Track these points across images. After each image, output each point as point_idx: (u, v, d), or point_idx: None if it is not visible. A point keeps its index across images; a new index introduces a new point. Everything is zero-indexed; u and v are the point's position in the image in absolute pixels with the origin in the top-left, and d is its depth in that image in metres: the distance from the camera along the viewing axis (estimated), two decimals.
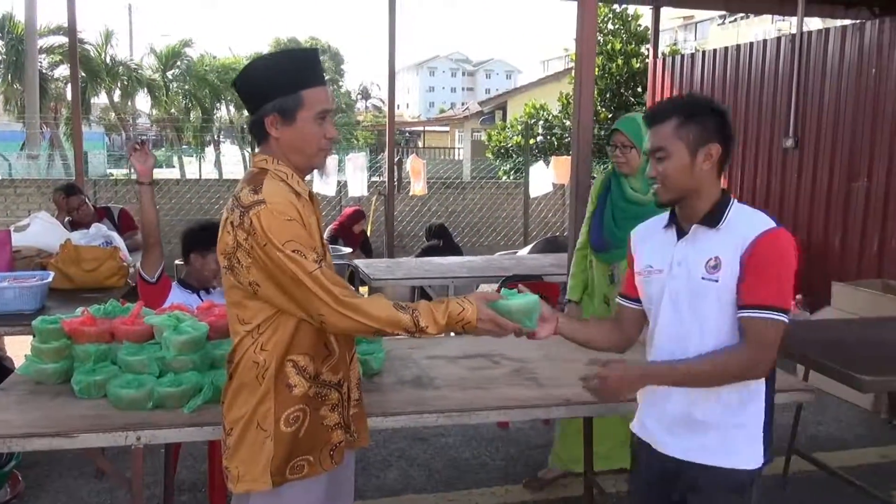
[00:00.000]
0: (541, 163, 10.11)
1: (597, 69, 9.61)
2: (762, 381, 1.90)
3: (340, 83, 43.67)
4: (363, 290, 6.94)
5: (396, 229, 9.47)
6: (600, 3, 3.67)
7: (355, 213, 7.75)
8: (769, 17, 27.38)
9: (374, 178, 10.50)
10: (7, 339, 4.85)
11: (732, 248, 1.82)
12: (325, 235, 7.32)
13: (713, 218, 1.87)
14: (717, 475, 1.89)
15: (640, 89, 14.40)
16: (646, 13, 14.04)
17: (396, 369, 2.70)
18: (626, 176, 3.22)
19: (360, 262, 5.98)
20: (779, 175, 7.35)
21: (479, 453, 4.07)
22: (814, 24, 11.99)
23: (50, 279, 3.68)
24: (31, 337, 2.59)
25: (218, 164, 21.38)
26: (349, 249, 6.79)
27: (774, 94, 7.40)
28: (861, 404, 4.80)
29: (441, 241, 7.76)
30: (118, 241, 4.62)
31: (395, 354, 2.86)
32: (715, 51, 8.34)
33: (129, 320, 2.50)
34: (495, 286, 3.76)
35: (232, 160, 22.87)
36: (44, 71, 20.59)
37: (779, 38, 7.50)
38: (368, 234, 8.26)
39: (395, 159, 8.82)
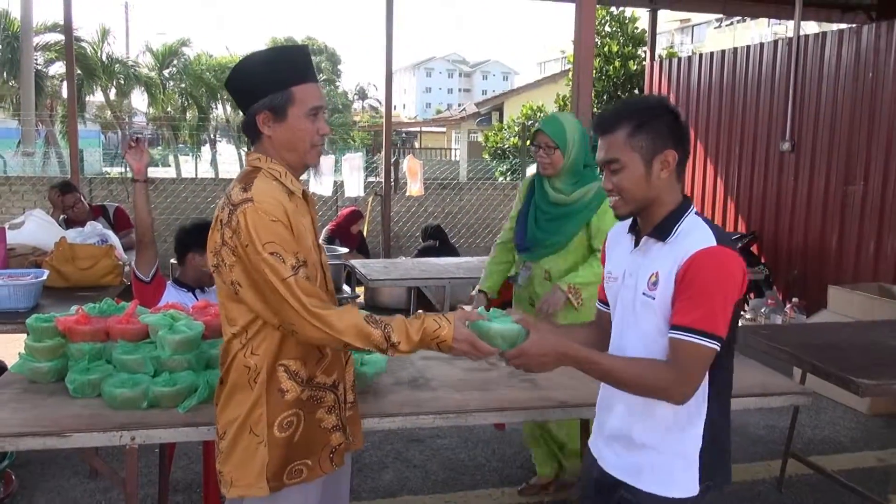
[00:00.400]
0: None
1: (594, 71, 9.62)
2: (702, 404, 1.76)
3: (337, 83, 43.65)
4: (359, 290, 6.94)
5: (393, 230, 9.46)
6: (598, 6, 3.67)
7: (352, 214, 7.73)
8: (766, 20, 27.46)
9: (370, 179, 10.48)
10: (0, 338, 4.82)
11: (671, 264, 1.71)
12: (322, 236, 7.34)
13: (663, 230, 1.76)
14: (649, 500, 1.78)
15: (636, 91, 14.41)
16: (643, 16, 14.05)
17: (393, 370, 2.69)
18: (550, 177, 3.17)
19: (357, 263, 5.97)
20: (775, 178, 7.37)
21: (475, 455, 4.06)
22: (810, 27, 12.03)
23: (44, 277, 3.66)
24: (24, 335, 2.57)
25: (214, 163, 21.32)
26: (346, 250, 6.77)
27: (771, 97, 7.41)
28: (857, 407, 4.81)
29: (437, 242, 7.75)
30: (113, 239, 4.60)
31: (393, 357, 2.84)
32: (712, 54, 8.36)
33: (123, 319, 2.48)
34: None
35: (228, 159, 22.84)
36: (40, 68, 20.54)
37: (776, 42, 7.52)
38: (365, 234, 8.25)
39: (392, 160, 8.81)
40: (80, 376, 2.33)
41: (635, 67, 14.30)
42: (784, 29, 26.69)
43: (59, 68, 21.65)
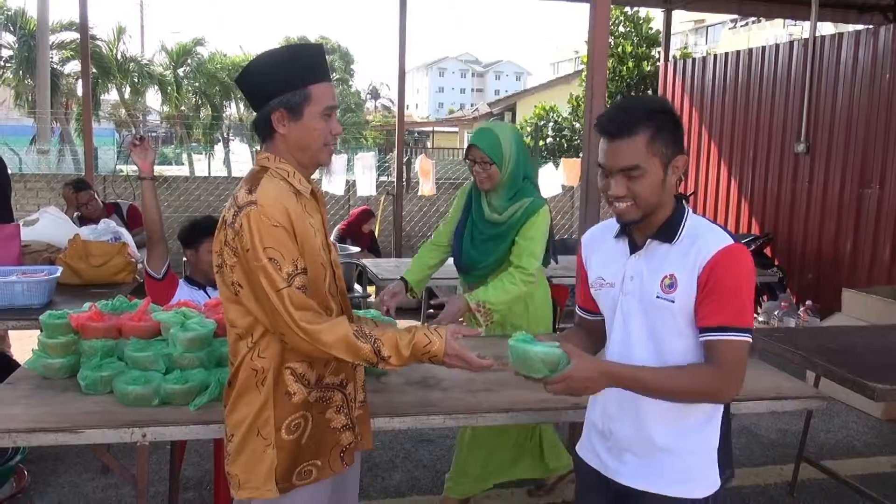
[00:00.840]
0: (550, 164, 10.09)
1: (607, 72, 9.62)
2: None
3: (350, 83, 43.71)
4: (371, 289, 6.93)
5: (405, 229, 9.46)
6: (612, 6, 3.65)
7: (364, 213, 7.74)
8: (781, 21, 27.29)
9: (382, 178, 10.49)
10: (14, 334, 4.86)
11: (689, 266, 1.70)
12: (334, 235, 7.35)
13: (669, 232, 1.75)
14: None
15: (650, 92, 14.36)
16: (657, 16, 13.98)
17: (403, 370, 2.67)
18: (488, 191, 3.04)
19: (369, 262, 5.97)
20: (790, 180, 7.32)
21: None
22: (826, 28, 11.93)
23: (58, 274, 3.68)
24: (38, 332, 2.58)
25: (227, 161, 21.41)
26: (357, 249, 6.78)
27: (786, 98, 7.36)
28: (871, 412, 4.76)
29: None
30: (126, 236, 4.62)
31: None
32: (727, 54, 8.31)
33: (136, 316, 2.49)
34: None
35: (241, 158, 22.91)
36: (55, 67, 20.70)
37: (791, 43, 7.46)
38: (376, 234, 8.25)
39: (404, 159, 8.81)
40: (93, 373, 2.34)
41: (649, 68, 14.26)
42: (799, 30, 26.50)
43: (74, 66, 21.80)
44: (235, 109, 28.58)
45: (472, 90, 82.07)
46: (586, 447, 1.99)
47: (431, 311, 5.39)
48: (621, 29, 14.69)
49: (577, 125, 15.02)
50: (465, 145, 3.08)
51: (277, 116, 1.83)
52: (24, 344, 4.44)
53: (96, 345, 2.42)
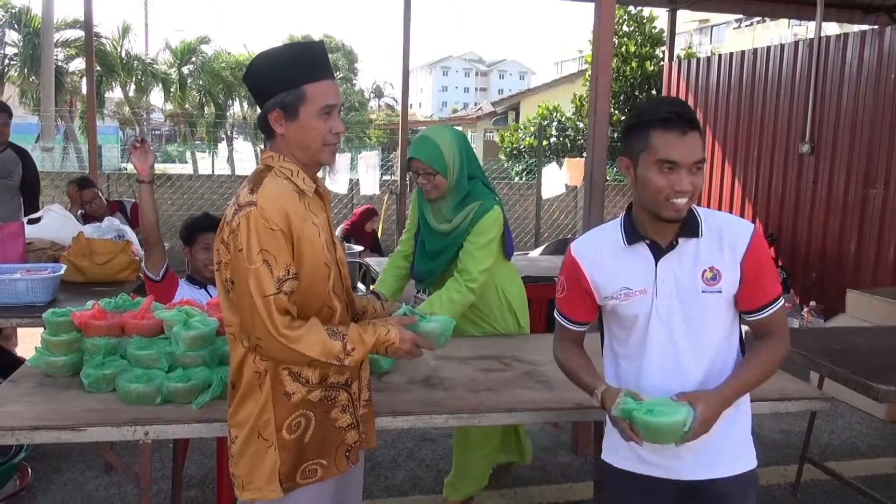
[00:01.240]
0: (553, 164, 10.08)
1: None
2: None
3: (354, 81, 43.72)
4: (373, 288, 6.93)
5: None
6: (617, 5, 3.63)
7: (367, 212, 7.74)
8: (786, 21, 27.24)
9: (385, 177, 10.49)
10: (19, 331, 4.87)
11: (729, 256, 1.77)
12: (337, 234, 7.34)
13: (695, 227, 1.80)
14: (741, 481, 1.88)
15: (654, 92, 14.34)
16: (661, 15, 13.97)
17: (406, 369, 2.68)
18: (436, 200, 2.97)
19: (372, 261, 5.96)
20: (794, 180, 7.30)
21: None
22: (830, 29, 11.89)
23: (62, 272, 3.68)
24: (41, 329, 2.58)
25: (230, 159, 21.48)
26: (361, 248, 6.79)
27: (791, 98, 7.34)
28: (875, 413, 4.75)
29: None
30: (130, 234, 4.62)
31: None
32: (731, 54, 8.29)
33: (139, 314, 2.49)
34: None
35: (245, 156, 22.96)
36: (60, 64, 20.73)
37: (796, 43, 7.44)
38: (380, 233, 8.25)
39: (408, 158, 8.80)
40: (96, 371, 2.34)
41: (652, 68, 14.23)
42: (804, 30, 26.46)
43: (78, 64, 21.84)
44: (239, 108, 28.62)
45: (476, 89, 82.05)
46: (626, 455, 1.92)
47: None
48: (625, 28, 14.66)
49: (581, 125, 14.99)
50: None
51: (274, 116, 1.82)
52: (27, 342, 4.46)
53: (99, 343, 2.42)
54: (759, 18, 30.00)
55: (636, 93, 14.51)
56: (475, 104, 45.02)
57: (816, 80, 6.97)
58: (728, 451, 1.87)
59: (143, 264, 3.36)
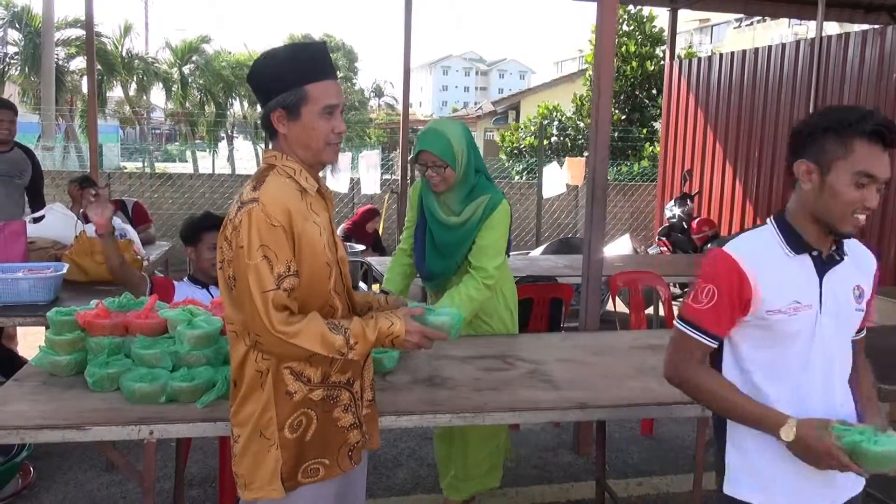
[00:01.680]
0: (554, 164, 10.08)
1: None
2: None
3: (354, 80, 43.73)
4: (375, 287, 6.93)
5: None
6: (617, 4, 3.62)
7: (368, 212, 7.74)
8: (786, 20, 27.23)
9: (385, 176, 10.48)
10: (18, 331, 4.87)
11: (867, 274, 1.81)
12: (338, 233, 7.33)
13: (845, 243, 1.77)
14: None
15: (654, 91, 14.34)
16: (661, 15, 13.97)
17: (409, 368, 2.68)
18: (442, 192, 2.94)
19: (374, 260, 5.97)
20: None
21: None
22: (831, 28, 11.89)
23: (64, 271, 3.67)
24: (43, 329, 2.58)
25: (231, 159, 21.46)
26: (362, 247, 6.79)
27: (792, 98, 7.34)
28: None
29: None
30: (132, 233, 4.62)
31: (408, 353, 2.83)
32: (732, 54, 8.29)
33: (143, 314, 2.49)
34: None
35: (245, 155, 22.96)
36: (61, 63, 20.74)
37: (798, 42, 7.45)
38: (381, 232, 8.25)
39: (409, 158, 8.80)
40: (100, 370, 2.34)
41: (652, 67, 14.22)
42: (805, 29, 26.45)
43: (79, 63, 21.86)
44: (239, 107, 28.62)
45: (476, 88, 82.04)
46: (754, 486, 1.76)
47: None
48: (625, 28, 14.65)
49: (581, 125, 14.98)
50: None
51: (276, 116, 1.84)
52: (28, 341, 4.45)
53: (103, 342, 2.42)
54: (759, 18, 30.00)
55: (636, 92, 14.50)
56: (475, 103, 45.02)
57: (818, 79, 6.98)
58: None
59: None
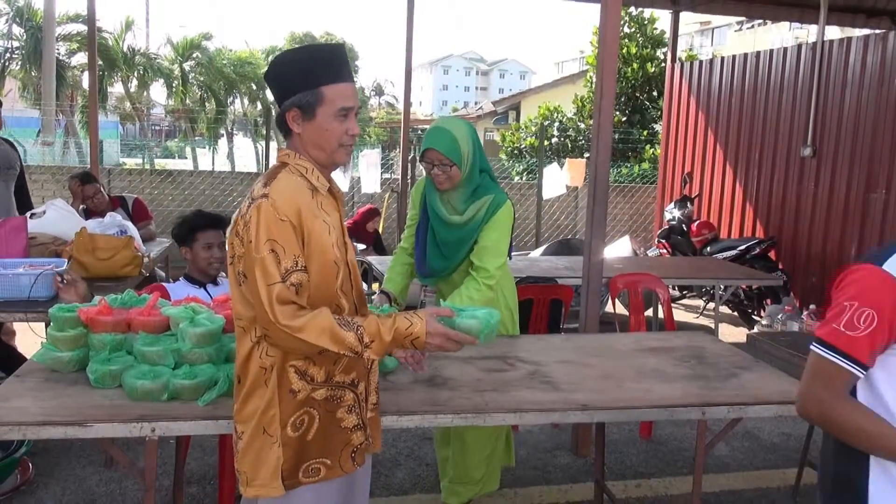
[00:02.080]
0: (554, 165, 10.08)
1: None
2: None
3: (354, 79, 43.71)
4: (375, 286, 6.94)
5: None
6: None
7: (369, 212, 7.74)
8: (787, 24, 27.27)
9: (385, 175, 10.48)
10: (16, 326, 4.85)
11: None
12: None
13: None
14: None
15: (655, 93, 14.34)
16: (662, 16, 13.98)
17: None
18: (447, 191, 2.93)
19: (374, 260, 5.98)
20: (795, 184, 7.31)
21: None
22: (832, 32, 11.91)
23: (65, 267, 3.67)
24: (41, 324, 2.58)
25: (231, 156, 21.47)
26: (363, 247, 6.79)
27: (793, 102, 7.35)
28: None
29: None
30: (133, 230, 4.63)
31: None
32: (734, 57, 8.29)
33: (145, 311, 2.49)
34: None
35: (245, 153, 22.96)
36: (61, 58, 20.72)
37: (799, 46, 7.45)
38: (381, 231, 8.25)
39: (409, 157, 8.81)
40: (101, 367, 2.34)
41: (653, 69, 14.22)
42: (805, 33, 26.49)
43: (80, 59, 21.83)
44: (240, 104, 28.61)
45: (477, 88, 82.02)
46: None
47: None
48: (626, 29, 14.65)
49: (582, 126, 14.98)
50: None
51: (291, 115, 1.86)
52: (27, 337, 4.43)
53: (105, 339, 2.42)
54: (760, 21, 30.02)
55: (637, 94, 14.51)
56: (475, 103, 45.02)
57: (819, 83, 6.98)
58: None
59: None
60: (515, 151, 15.57)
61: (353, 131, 1.89)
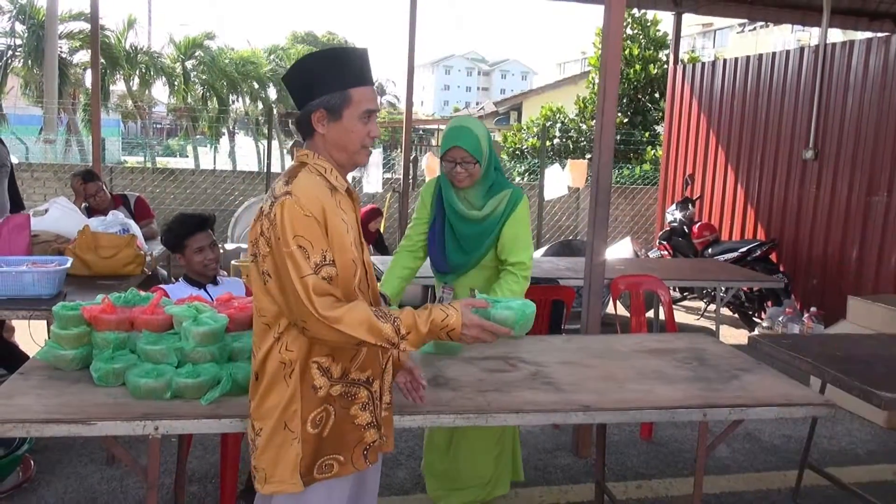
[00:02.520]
0: (556, 165, 10.08)
1: None
2: None
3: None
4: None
5: None
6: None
7: (371, 212, 7.74)
8: (789, 26, 27.24)
9: (386, 175, 10.49)
10: (18, 324, 4.86)
11: None
12: None
13: None
14: None
15: (657, 95, 14.34)
16: (664, 18, 13.97)
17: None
18: (465, 188, 2.97)
19: (376, 260, 5.97)
20: (797, 186, 7.31)
21: None
22: (834, 35, 11.90)
23: (68, 265, 3.68)
24: (44, 323, 2.58)
25: (232, 154, 21.45)
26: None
27: (795, 104, 7.35)
28: (874, 420, 4.77)
29: None
30: (135, 228, 4.64)
31: (411, 354, 2.82)
32: (736, 59, 8.30)
33: (148, 309, 2.50)
34: None
35: (246, 152, 22.95)
36: (64, 56, 20.73)
37: (801, 49, 7.46)
38: (382, 231, 8.26)
39: (411, 157, 8.81)
40: (105, 365, 2.35)
41: (655, 71, 14.22)
42: (808, 35, 26.46)
43: (82, 56, 21.84)
44: (241, 103, 28.60)
45: (478, 89, 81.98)
46: None
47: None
48: (629, 31, 14.66)
49: (584, 127, 14.98)
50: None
51: (317, 116, 1.88)
52: (28, 335, 4.44)
53: (109, 337, 2.43)
54: (762, 23, 29.99)
55: (639, 95, 14.51)
56: (477, 103, 45.01)
57: (821, 86, 6.99)
58: None
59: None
60: (517, 152, 15.56)
61: (374, 133, 1.93)
